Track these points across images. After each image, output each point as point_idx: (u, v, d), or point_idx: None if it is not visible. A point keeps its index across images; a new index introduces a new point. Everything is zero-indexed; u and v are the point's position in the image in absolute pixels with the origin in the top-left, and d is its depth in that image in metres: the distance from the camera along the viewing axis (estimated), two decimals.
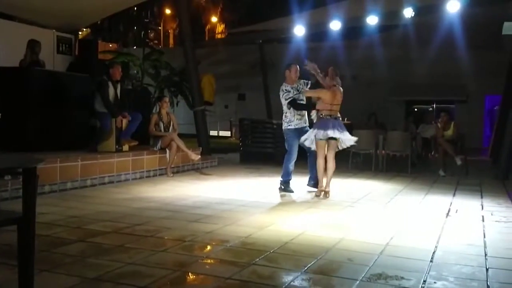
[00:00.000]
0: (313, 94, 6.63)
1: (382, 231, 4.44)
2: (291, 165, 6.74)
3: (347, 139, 6.45)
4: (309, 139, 6.48)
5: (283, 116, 6.79)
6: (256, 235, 4.15)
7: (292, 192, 6.65)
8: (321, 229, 4.50)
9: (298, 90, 6.73)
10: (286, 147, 6.81)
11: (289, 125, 6.69)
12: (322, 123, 6.31)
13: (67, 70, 8.96)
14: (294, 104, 6.63)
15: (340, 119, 6.53)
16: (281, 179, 6.79)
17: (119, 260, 3.29)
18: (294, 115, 6.67)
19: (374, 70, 20.02)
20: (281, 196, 6.42)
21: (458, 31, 16.31)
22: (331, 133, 6.22)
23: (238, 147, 11.64)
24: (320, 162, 6.38)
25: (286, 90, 6.72)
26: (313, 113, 6.73)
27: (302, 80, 6.82)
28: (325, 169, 6.40)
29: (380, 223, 4.88)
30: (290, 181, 6.79)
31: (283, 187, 6.75)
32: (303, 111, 6.74)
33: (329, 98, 6.33)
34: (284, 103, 6.71)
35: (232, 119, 23.40)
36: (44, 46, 8.03)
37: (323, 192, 6.36)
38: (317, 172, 6.45)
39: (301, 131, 6.64)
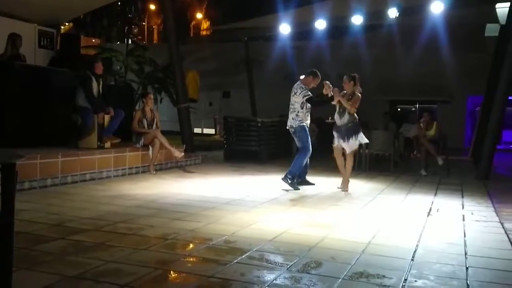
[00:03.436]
0: (355, 104, 6.89)
1: (364, 230, 4.47)
2: (306, 161, 7.10)
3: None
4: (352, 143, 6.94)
5: (294, 115, 7.06)
6: (239, 233, 4.14)
7: (298, 189, 6.83)
8: (304, 227, 4.51)
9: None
10: (299, 144, 7.14)
11: (302, 123, 7.03)
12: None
13: (48, 65, 8.82)
14: (312, 100, 7.04)
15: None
16: (290, 175, 6.92)
17: (100, 258, 3.25)
18: (305, 114, 7.06)
19: (359, 70, 20.13)
20: (265, 194, 6.42)
21: (442, 32, 16.54)
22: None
23: (222, 145, 11.62)
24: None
25: (305, 88, 7.06)
26: (337, 116, 7.05)
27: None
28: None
29: (362, 222, 4.91)
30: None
31: (289, 181, 6.89)
32: (309, 114, 7.17)
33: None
34: (300, 101, 7.01)
35: (216, 117, 23.34)
36: (25, 40, 7.90)
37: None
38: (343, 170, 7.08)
39: (308, 129, 7.13)
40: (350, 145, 6.94)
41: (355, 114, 6.94)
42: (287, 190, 6.74)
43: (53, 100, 7.55)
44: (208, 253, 3.53)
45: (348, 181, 7.10)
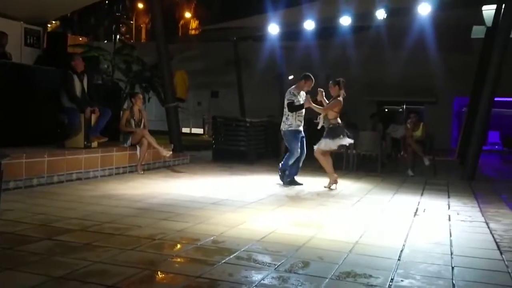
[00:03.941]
0: (333, 107, 7.06)
1: (352, 230, 4.49)
2: (291, 163, 7.29)
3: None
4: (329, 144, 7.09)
5: (284, 118, 7.31)
6: (227, 233, 4.14)
7: (286, 185, 7.27)
8: (292, 227, 4.52)
9: (300, 97, 7.26)
10: (288, 147, 7.42)
11: (290, 127, 7.24)
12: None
13: (34, 63, 8.73)
14: (291, 106, 7.21)
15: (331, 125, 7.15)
16: (281, 168, 7.39)
17: (86, 259, 3.22)
18: (295, 119, 7.23)
19: (347, 70, 20.25)
20: (253, 194, 6.42)
21: (429, 34, 16.70)
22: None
23: (211, 144, 11.59)
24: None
25: (292, 93, 7.26)
26: (320, 118, 7.22)
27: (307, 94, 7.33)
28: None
29: (349, 222, 4.94)
30: (295, 177, 7.43)
31: (280, 173, 7.42)
32: (302, 117, 7.33)
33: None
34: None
35: (205, 116, 23.28)
36: (11, 38, 7.81)
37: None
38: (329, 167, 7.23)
39: (298, 133, 7.28)
40: (319, 144, 7.12)
41: (337, 118, 7.09)
42: (280, 184, 7.26)
43: (39, 99, 7.47)
44: (196, 254, 3.52)
45: (332, 179, 7.23)
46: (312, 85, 7.29)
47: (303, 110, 7.26)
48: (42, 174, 6.28)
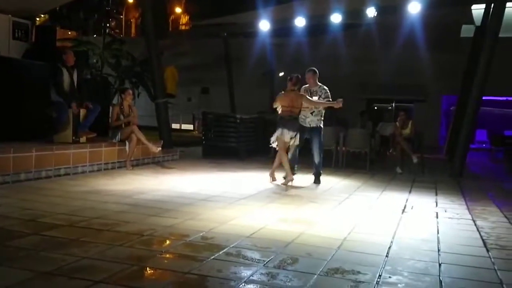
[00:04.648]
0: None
1: (340, 226, 4.52)
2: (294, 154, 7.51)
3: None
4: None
5: (318, 115, 7.56)
6: (217, 229, 4.13)
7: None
8: (281, 223, 4.53)
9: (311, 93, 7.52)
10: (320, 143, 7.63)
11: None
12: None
13: (23, 57, 8.63)
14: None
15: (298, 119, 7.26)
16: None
17: (74, 254, 3.20)
18: (303, 115, 7.42)
19: (338, 68, 20.32)
20: (243, 190, 6.42)
21: (419, 33, 16.82)
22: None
23: (201, 141, 11.56)
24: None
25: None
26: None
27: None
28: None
29: (338, 219, 4.96)
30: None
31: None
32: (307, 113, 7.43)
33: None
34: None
35: (195, 113, 23.20)
36: None
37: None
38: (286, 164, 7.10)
39: (303, 129, 7.40)
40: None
41: (283, 111, 7.12)
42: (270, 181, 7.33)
43: (27, 93, 7.39)
44: (185, 250, 3.52)
45: (287, 175, 7.13)
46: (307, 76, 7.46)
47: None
48: (30, 169, 6.22)
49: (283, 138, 7.03)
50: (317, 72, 7.57)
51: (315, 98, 7.38)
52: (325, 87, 7.52)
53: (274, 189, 6.68)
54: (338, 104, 7.15)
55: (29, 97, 7.41)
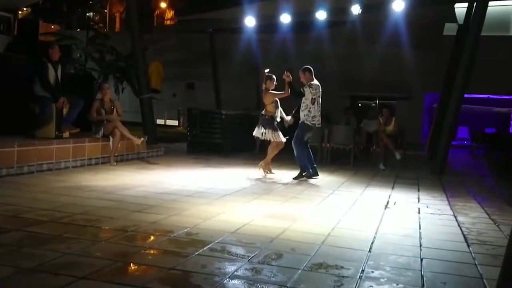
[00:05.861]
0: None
1: (324, 222, 4.55)
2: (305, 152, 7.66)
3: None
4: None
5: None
6: (202, 225, 4.14)
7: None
8: (266, 219, 4.55)
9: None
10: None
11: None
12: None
13: (4, 51, 8.49)
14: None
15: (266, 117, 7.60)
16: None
17: (57, 250, 3.18)
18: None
19: (323, 65, 20.38)
20: (228, 186, 6.42)
21: (403, 30, 16.97)
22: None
23: (186, 136, 11.52)
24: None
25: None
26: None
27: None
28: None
29: (322, 214, 5.00)
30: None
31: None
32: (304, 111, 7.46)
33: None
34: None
35: (180, 108, 23.09)
36: None
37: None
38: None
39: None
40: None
41: (270, 110, 7.55)
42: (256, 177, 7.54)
43: (9, 87, 7.27)
44: (169, 245, 3.52)
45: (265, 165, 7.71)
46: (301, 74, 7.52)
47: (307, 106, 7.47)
48: (12, 165, 6.13)
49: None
50: (308, 69, 7.38)
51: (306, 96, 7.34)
52: (308, 87, 7.28)
53: (259, 185, 6.70)
54: (285, 75, 7.31)
55: (11, 92, 7.29)
